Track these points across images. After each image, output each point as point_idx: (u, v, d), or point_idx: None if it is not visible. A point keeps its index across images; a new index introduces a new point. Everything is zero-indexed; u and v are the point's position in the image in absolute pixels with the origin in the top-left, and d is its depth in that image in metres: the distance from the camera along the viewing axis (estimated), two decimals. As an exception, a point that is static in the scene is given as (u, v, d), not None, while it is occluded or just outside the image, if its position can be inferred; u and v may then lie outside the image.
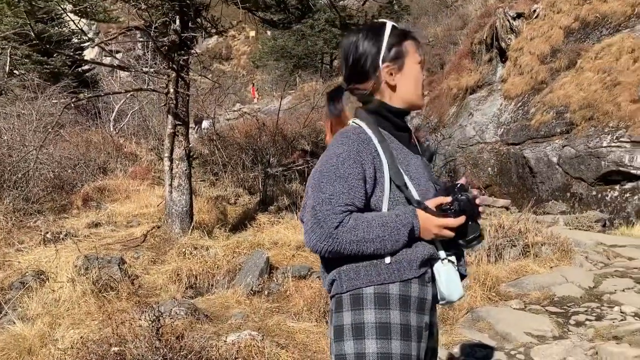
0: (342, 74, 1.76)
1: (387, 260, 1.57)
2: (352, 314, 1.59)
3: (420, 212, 1.57)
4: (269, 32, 38.18)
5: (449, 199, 1.59)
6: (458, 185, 1.61)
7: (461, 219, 1.57)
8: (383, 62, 1.65)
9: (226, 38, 44.81)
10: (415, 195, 1.62)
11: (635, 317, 4.58)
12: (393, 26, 1.67)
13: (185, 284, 5.64)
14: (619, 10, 11.97)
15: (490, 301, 5.06)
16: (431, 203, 1.59)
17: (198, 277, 5.75)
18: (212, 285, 5.67)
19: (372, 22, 1.71)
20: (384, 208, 1.59)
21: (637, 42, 10.79)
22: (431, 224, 1.56)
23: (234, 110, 24.53)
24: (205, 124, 16.73)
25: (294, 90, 31.74)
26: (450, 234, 1.58)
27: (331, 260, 1.62)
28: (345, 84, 1.73)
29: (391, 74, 1.66)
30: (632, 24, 11.44)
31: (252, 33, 43.25)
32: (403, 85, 1.67)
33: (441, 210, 1.58)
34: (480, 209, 1.64)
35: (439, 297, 1.67)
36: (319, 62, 35.83)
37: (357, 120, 1.67)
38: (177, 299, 4.56)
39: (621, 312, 4.72)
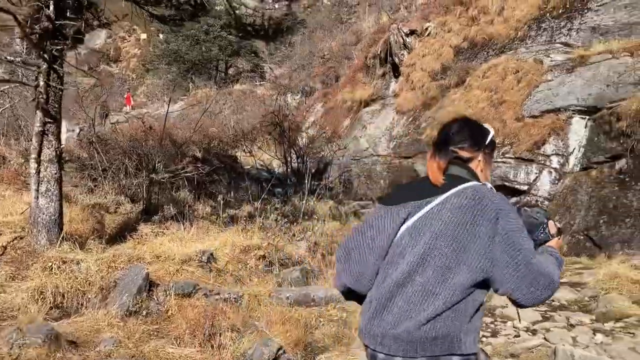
0: (467, 141, 2.09)
1: None
2: None
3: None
4: (161, 35, 36.85)
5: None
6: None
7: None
8: (485, 148, 2.14)
9: (115, 40, 42.73)
10: None
11: (529, 333, 4.56)
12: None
13: (50, 303, 4.96)
14: (504, 33, 12.58)
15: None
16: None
17: (65, 296, 5.08)
18: (82, 305, 5.02)
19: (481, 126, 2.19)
20: None
21: (520, 64, 11.32)
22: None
23: (121, 114, 23.14)
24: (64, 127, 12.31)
25: (186, 96, 30.77)
26: None
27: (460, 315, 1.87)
28: (474, 149, 2.08)
29: (485, 158, 2.12)
30: (516, 47, 12.03)
31: (144, 36, 41.59)
32: (487, 169, 2.15)
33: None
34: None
35: None
36: (213, 69, 35.06)
37: (488, 184, 2.05)
38: (34, 322, 3.89)
39: (514, 327, 4.70)
